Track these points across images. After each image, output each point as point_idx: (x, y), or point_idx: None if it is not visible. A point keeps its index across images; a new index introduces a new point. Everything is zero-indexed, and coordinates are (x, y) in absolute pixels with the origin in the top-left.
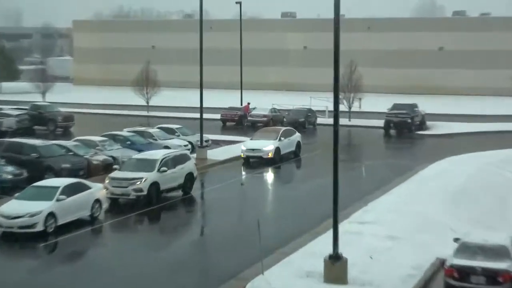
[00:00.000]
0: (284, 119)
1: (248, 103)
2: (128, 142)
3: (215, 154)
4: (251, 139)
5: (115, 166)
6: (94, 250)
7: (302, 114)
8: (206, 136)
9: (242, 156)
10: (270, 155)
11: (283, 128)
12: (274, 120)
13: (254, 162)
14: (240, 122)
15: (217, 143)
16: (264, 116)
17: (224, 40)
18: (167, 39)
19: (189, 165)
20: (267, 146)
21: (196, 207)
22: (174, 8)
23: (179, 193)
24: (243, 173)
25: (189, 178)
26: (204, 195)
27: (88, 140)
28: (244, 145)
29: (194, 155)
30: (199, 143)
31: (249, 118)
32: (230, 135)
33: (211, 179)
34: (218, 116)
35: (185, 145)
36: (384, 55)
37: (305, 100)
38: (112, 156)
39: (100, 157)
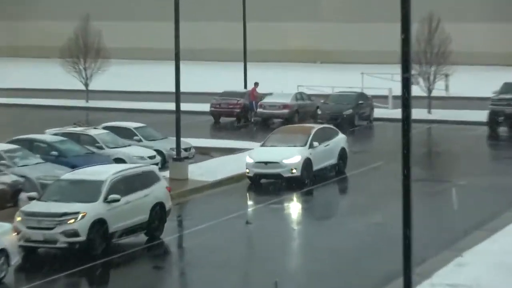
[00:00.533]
0: (319, 111)
1: (256, 85)
2: (54, 153)
3: (202, 171)
4: (262, 146)
5: (30, 194)
6: None
7: (349, 102)
8: (187, 142)
9: (248, 174)
10: (295, 171)
11: (317, 127)
12: (301, 112)
13: (268, 184)
14: (242, 117)
15: (205, 153)
16: (284, 106)
17: None
18: None
19: (158, 190)
20: (289, 157)
21: (168, 262)
22: None
23: (141, 237)
24: (249, 203)
25: (158, 212)
26: (182, 242)
27: None
28: (252, 155)
29: (167, 172)
30: (174, 152)
31: (258, 110)
32: (227, 139)
33: (195, 214)
34: (206, 107)
35: (150, 157)
36: (487, 2)
37: (354, 78)
38: (25, 176)
39: (7, 179)
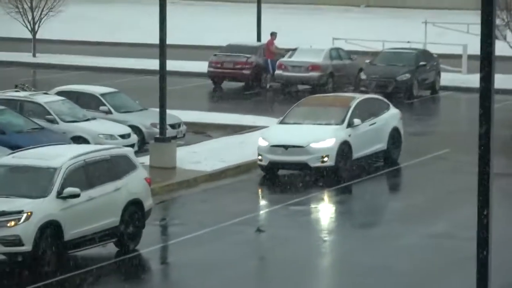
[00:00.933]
0: (362, 76)
1: (274, 36)
2: None
3: (197, 157)
4: (281, 123)
5: None
6: None
7: (405, 63)
8: (175, 115)
9: (261, 162)
10: (327, 160)
11: (359, 98)
12: (336, 76)
13: (288, 177)
14: (254, 81)
15: (201, 131)
16: (314, 67)
17: None
18: None
19: (134, 183)
20: (320, 139)
21: (146, 285)
22: None
23: (110, 248)
24: (262, 203)
25: (134, 213)
26: (167, 256)
27: None
28: (266, 136)
29: (146, 158)
30: (156, 129)
31: (277, 72)
32: (231, 112)
33: (185, 218)
34: (204, 66)
35: (123, 135)
36: None
37: (414, 29)
38: None
39: None
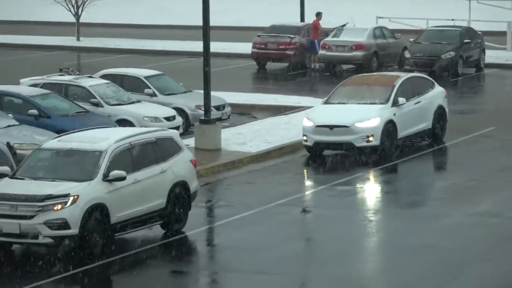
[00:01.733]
0: (407, 54)
1: (319, 16)
2: (33, 111)
3: (241, 139)
4: (326, 103)
5: (0, 169)
6: None
7: (450, 41)
8: (220, 97)
9: (306, 142)
10: (372, 139)
11: (404, 77)
12: (381, 56)
13: (334, 158)
14: (298, 61)
15: (245, 113)
16: (358, 46)
17: None
18: None
19: (179, 165)
20: (364, 119)
21: (192, 266)
22: None
23: (156, 230)
24: (307, 183)
25: (180, 195)
26: (213, 238)
27: None
28: (311, 117)
29: (191, 140)
30: (201, 111)
31: (321, 52)
32: (276, 93)
33: (230, 199)
34: (247, 47)
35: (168, 117)
36: None
37: (458, 6)
38: None
39: None
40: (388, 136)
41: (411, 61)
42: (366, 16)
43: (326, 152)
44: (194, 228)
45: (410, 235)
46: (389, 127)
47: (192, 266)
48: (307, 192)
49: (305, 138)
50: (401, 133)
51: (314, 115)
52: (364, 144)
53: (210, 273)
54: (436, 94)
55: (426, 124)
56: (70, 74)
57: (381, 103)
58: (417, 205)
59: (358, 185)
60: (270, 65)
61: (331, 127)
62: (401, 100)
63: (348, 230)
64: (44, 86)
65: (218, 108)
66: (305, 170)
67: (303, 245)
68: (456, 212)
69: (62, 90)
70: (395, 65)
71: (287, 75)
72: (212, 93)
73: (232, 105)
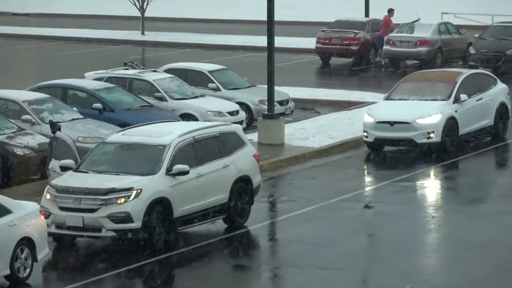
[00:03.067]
0: (471, 50)
1: (391, 13)
2: (97, 105)
3: (305, 134)
4: (387, 99)
5: (64, 162)
6: None
7: None
8: (283, 92)
9: (367, 138)
10: (433, 136)
11: (466, 73)
12: (445, 51)
13: (395, 153)
14: (362, 57)
15: (309, 108)
16: (422, 42)
17: None
18: None
19: (243, 160)
20: (426, 115)
21: (254, 261)
22: None
23: (219, 225)
24: (367, 180)
25: (243, 189)
26: (275, 233)
27: None
28: (372, 113)
29: (254, 135)
30: (264, 106)
31: (385, 47)
32: (339, 88)
33: (293, 194)
34: (311, 42)
35: (231, 112)
36: None
37: None
38: (57, 138)
39: (31, 141)
40: (449, 133)
41: (476, 57)
42: (431, 11)
43: (388, 148)
44: (256, 222)
45: (474, 231)
46: (451, 124)
47: (254, 260)
48: (369, 188)
49: (365, 134)
50: (463, 130)
51: (375, 111)
52: (425, 140)
53: (272, 268)
54: (499, 91)
55: (488, 121)
56: (135, 68)
57: (442, 100)
58: (481, 201)
59: (420, 181)
60: (334, 60)
61: (392, 123)
62: (463, 96)
63: (410, 226)
64: (108, 80)
65: (281, 103)
66: (365, 166)
67: (365, 241)
68: None
69: (127, 84)
70: (459, 61)
71: (351, 70)
72: (276, 88)
73: (296, 100)
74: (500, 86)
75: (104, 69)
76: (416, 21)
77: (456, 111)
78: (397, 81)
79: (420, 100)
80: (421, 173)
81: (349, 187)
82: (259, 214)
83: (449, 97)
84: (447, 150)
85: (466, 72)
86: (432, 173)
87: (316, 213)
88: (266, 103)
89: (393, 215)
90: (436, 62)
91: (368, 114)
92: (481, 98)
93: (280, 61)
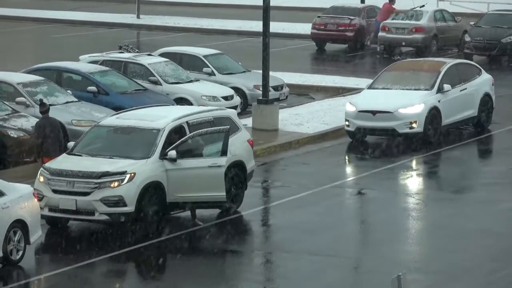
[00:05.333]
0: (467, 37)
1: (392, 1)
2: (92, 88)
3: (299, 119)
4: (370, 88)
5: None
6: None
7: (510, 26)
8: (278, 77)
9: (348, 128)
10: (416, 126)
11: (450, 63)
12: (441, 39)
13: (376, 143)
14: (357, 43)
15: (303, 93)
16: (417, 28)
17: None
18: None
19: (237, 145)
20: (408, 105)
21: (247, 246)
22: None
23: (211, 210)
24: (363, 166)
25: (236, 174)
26: (268, 218)
27: None
28: (354, 102)
29: (249, 120)
30: (259, 91)
31: (380, 33)
32: (335, 74)
33: (286, 180)
34: (307, 28)
35: (226, 97)
36: None
37: None
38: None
39: (25, 123)
40: (432, 123)
41: (471, 45)
42: None
43: (369, 138)
44: (249, 208)
45: (466, 219)
46: (434, 114)
47: (247, 246)
48: (363, 175)
49: (347, 123)
50: (446, 120)
51: (357, 100)
52: (407, 130)
53: (265, 253)
54: (483, 81)
55: (471, 111)
56: (130, 52)
57: (425, 89)
58: (471, 190)
59: (413, 169)
60: (329, 46)
61: (374, 112)
62: (447, 86)
63: (402, 213)
64: (103, 63)
65: (276, 88)
66: (346, 157)
67: (357, 227)
68: (504, 199)
69: (121, 67)
70: (454, 49)
71: (346, 56)
72: (271, 73)
73: (290, 86)
74: (485, 77)
75: (99, 52)
76: (422, 6)
77: (439, 101)
78: (382, 70)
79: (403, 89)
80: (413, 160)
81: (342, 173)
82: (252, 199)
83: (432, 86)
84: (429, 140)
85: (451, 61)
86: (413, 164)
87: (309, 199)
88: (261, 88)
89: (385, 202)
90: (431, 49)
91: (350, 103)
92: (465, 88)
93: (275, 47)
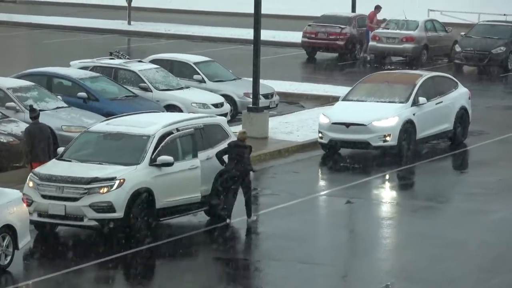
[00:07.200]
0: (457, 48)
1: (378, 9)
2: (82, 94)
3: (289, 128)
4: (343, 100)
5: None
6: None
7: (501, 36)
8: (268, 85)
9: (321, 140)
10: (389, 139)
11: (426, 76)
12: (431, 49)
13: (350, 156)
14: (347, 52)
15: (294, 102)
16: (408, 38)
17: None
18: None
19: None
20: (382, 117)
21: (235, 253)
22: None
23: (201, 217)
24: (352, 175)
25: (223, 182)
26: (257, 226)
27: None
28: (328, 113)
29: (238, 127)
30: (249, 99)
31: (371, 43)
32: (325, 83)
33: (276, 188)
34: (298, 36)
35: (216, 104)
36: None
37: (510, 2)
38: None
39: (15, 128)
40: (406, 136)
41: (461, 55)
42: (418, 8)
43: (343, 151)
44: (238, 216)
45: (454, 229)
46: (408, 127)
47: (236, 253)
48: (351, 184)
49: (320, 135)
50: (420, 134)
51: (331, 111)
52: (381, 143)
53: (254, 261)
54: (459, 95)
55: (447, 125)
56: (120, 58)
57: (400, 102)
58: (458, 200)
59: (401, 179)
60: (320, 55)
61: (348, 124)
62: (422, 99)
63: (391, 222)
64: (94, 69)
65: (266, 96)
66: (350, 162)
67: (347, 236)
68: (482, 212)
69: (112, 73)
70: (445, 59)
71: (336, 65)
72: (261, 81)
73: (281, 94)
74: (461, 90)
75: (90, 58)
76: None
77: (414, 114)
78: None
79: (377, 102)
80: (401, 170)
81: (332, 182)
82: (241, 207)
83: (407, 99)
84: (403, 155)
85: (427, 74)
86: (387, 179)
87: (298, 207)
88: (251, 96)
89: (373, 212)
90: (421, 59)
91: (324, 115)
92: (441, 102)
93: (265, 55)
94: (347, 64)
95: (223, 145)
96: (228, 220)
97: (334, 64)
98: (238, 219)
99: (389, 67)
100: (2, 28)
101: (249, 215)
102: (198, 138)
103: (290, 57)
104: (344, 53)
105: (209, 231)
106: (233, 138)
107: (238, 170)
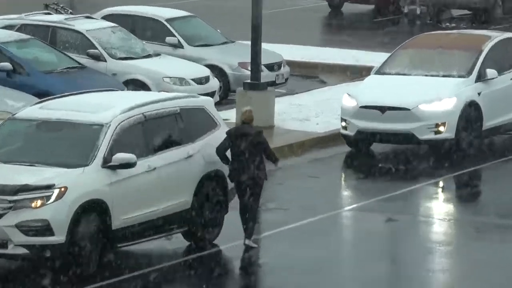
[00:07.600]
0: None
1: None
2: (5, 64)
3: (303, 114)
4: (377, 73)
5: None
6: None
7: None
8: (274, 52)
9: (345, 131)
10: (444, 130)
11: (497, 38)
12: (507, 2)
13: (387, 154)
14: (389, 5)
15: (311, 75)
16: None
17: None
18: None
19: (212, 149)
20: (433, 99)
21: None
22: None
23: (178, 241)
24: (372, 188)
25: (213, 190)
26: (259, 252)
27: None
28: (354, 93)
29: (232, 112)
30: (246, 71)
31: None
32: (355, 47)
33: (284, 198)
34: None
35: (198, 79)
36: None
37: None
38: None
39: None
40: (468, 126)
41: None
42: None
43: (375, 146)
44: (231, 240)
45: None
46: (470, 113)
47: None
48: (392, 194)
49: (344, 124)
50: (489, 122)
51: (359, 91)
52: (432, 136)
53: None
54: None
55: None
56: (60, 13)
57: (460, 76)
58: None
59: (460, 188)
60: (348, 7)
61: (383, 109)
62: (491, 72)
63: (451, 248)
64: (22, 28)
65: (271, 67)
66: (342, 173)
67: (386, 269)
68: None
69: (48, 35)
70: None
71: (371, 22)
72: (264, 45)
73: (292, 64)
74: None
75: (17, 13)
76: None
77: (479, 94)
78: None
79: (426, 76)
80: (451, 178)
81: (364, 191)
82: (235, 227)
83: (470, 72)
84: (464, 151)
85: (499, 36)
86: (441, 185)
87: (316, 228)
88: (249, 67)
89: (425, 233)
90: (494, 13)
91: (349, 95)
92: None
93: (273, 7)
94: (387, 21)
95: (209, 137)
96: (253, 244)
97: (368, 20)
98: (230, 244)
99: (448, 24)
100: None
101: (249, 235)
102: (174, 128)
103: (307, 10)
104: (383, 5)
105: (188, 262)
106: (223, 128)
107: (248, 173)
